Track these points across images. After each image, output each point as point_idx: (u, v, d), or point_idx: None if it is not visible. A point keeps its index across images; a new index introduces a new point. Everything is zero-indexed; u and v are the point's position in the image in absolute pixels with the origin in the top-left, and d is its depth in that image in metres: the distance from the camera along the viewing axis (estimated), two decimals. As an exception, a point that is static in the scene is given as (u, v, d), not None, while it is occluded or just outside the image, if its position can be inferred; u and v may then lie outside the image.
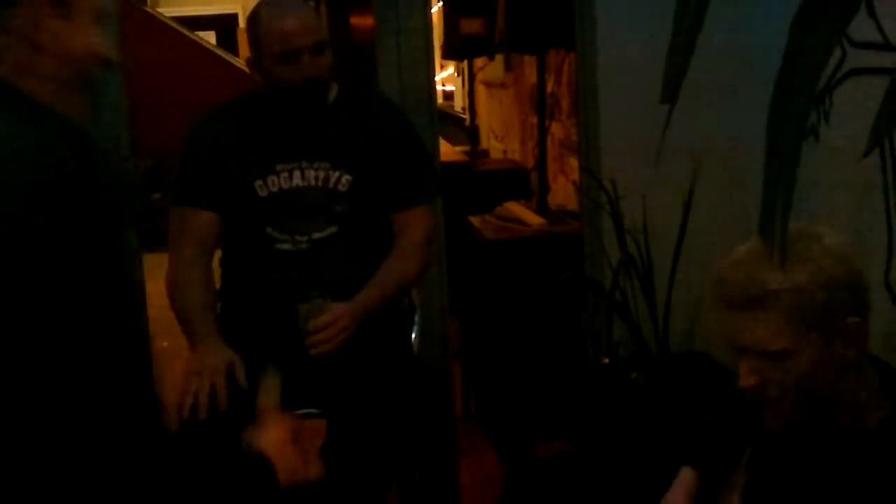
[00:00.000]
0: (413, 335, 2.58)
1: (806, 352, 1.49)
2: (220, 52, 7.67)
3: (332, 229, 2.40)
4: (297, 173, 2.39)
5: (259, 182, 2.39)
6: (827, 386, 1.52)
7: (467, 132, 5.90)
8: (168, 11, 8.33)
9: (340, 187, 2.40)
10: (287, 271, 2.39)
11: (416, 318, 2.60)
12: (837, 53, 1.78)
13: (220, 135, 2.45)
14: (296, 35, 2.30)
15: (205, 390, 2.21)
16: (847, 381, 1.53)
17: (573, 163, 3.95)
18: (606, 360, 2.95)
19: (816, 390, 1.52)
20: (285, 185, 2.39)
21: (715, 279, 1.56)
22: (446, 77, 7.16)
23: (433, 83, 3.23)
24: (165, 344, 2.62)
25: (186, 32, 7.47)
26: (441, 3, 4.49)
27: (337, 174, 2.40)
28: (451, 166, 4.41)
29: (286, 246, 2.40)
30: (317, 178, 2.40)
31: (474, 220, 4.03)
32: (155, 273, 2.59)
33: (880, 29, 1.90)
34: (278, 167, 2.39)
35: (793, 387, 1.51)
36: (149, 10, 8.05)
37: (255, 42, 2.37)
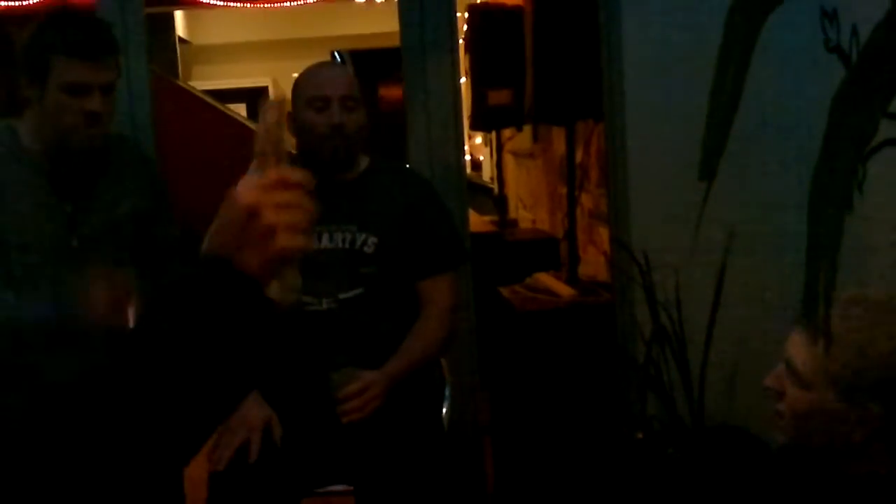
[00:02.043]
0: (444, 409, 2.56)
1: (819, 397, 1.51)
2: (250, 123, 7.75)
3: (359, 290, 2.43)
4: (325, 236, 2.44)
5: None
6: (819, 439, 1.54)
7: (495, 202, 5.91)
8: (200, 85, 8.44)
9: (367, 249, 2.44)
10: (314, 331, 2.40)
11: (447, 393, 2.58)
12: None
13: None
14: (327, 83, 2.45)
15: (234, 445, 2.23)
16: (848, 454, 1.52)
17: (603, 233, 3.94)
18: (641, 435, 2.90)
19: (807, 433, 1.55)
20: (313, 246, 2.40)
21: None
22: (474, 146, 7.20)
23: (462, 155, 3.25)
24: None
25: (217, 105, 7.57)
26: (469, 75, 4.54)
27: (363, 236, 2.44)
28: (480, 236, 4.41)
29: (313, 307, 2.41)
30: (343, 240, 2.44)
31: (504, 292, 4.01)
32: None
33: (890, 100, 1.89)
34: None
35: (790, 414, 1.56)
36: (181, 83, 8.17)
37: (293, 96, 2.48)
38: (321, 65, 2.55)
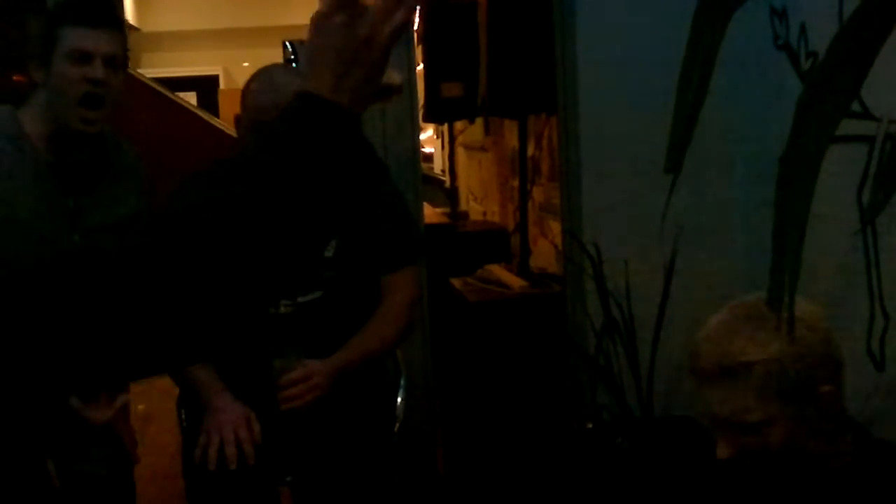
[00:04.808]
0: (399, 399, 2.56)
1: (781, 421, 1.50)
2: (201, 112, 7.69)
3: (317, 294, 2.40)
4: None
5: None
6: (802, 451, 1.53)
7: (447, 194, 5.93)
8: (148, 72, 8.35)
9: (327, 252, 2.40)
10: (270, 334, 2.38)
11: (402, 382, 2.59)
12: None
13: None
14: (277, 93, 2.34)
15: (232, 442, 2.21)
16: (820, 445, 1.54)
17: (554, 226, 3.98)
18: (590, 425, 2.94)
19: (793, 456, 1.53)
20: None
21: (690, 352, 1.57)
22: (426, 139, 7.21)
23: (418, 147, 3.26)
24: (142, 407, 2.59)
25: (168, 93, 7.49)
26: (422, 66, 4.54)
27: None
28: (432, 228, 4.42)
29: (271, 310, 2.38)
30: None
31: (456, 283, 4.03)
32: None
33: (859, 98, 1.94)
34: None
35: (769, 455, 1.52)
36: (130, 71, 8.09)
37: (243, 98, 2.41)
38: (274, 70, 2.45)
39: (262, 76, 2.38)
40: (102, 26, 2.21)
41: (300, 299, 2.38)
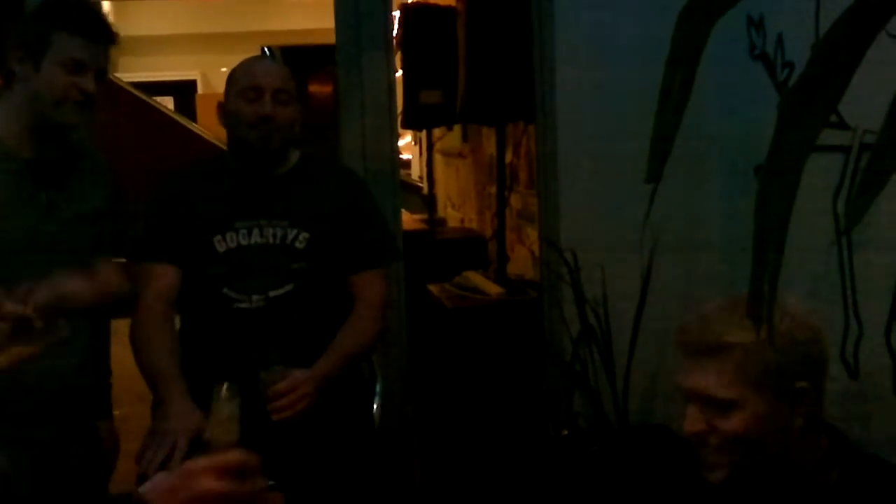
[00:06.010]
0: (375, 405, 2.57)
1: (752, 407, 1.52)
2: (177, 117, 7.67)
3: (289, 287, 2.42)
4: (255, 231, 2.43)
5: (218, 237, 2.43)
6: (769, 445, 1.54)
7: (425, 200, 5.93)
8: (126, 76, 8.32)
9: (298, 244, 2.43)
10: (244, 330, 2.39)
11: (378, 389, 2.59)
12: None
13: (184, 192, 2.51)
14: (261, 74, 2.45)
15: (164, 451, 2.18)
16: (792, 444, 1.55)
17: (531, 233, 3.98)
18: (566, 432, 2.95)
19: (757, 447, 1.54)
20: (244, 242, 2.44)
21: (678, 327, 1.61)
22: (403, 146, 7.22)
23: (396, 153, 3.27)
24: (118, 413, 2.58)
25: (144, 97, 7.47)
26: (400, 73, 4.55)
27: (295, 231, 2.44)
28: (410, 234, 4.42)
29: (243, 305, 2.41)
30: (275, 236, 2.44)
31: (433, 289, 4.03)
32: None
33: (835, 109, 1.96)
34: (237, 224, 2.44)
35: (733, 438, 1.53)
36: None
37: (226, 87, 2.49)
38: (257, 58, 2.56)
39: (244, 62, 2.50)
40: (103, 42, 2.24)
41: (272, 293, 2.41)
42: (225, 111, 2.48)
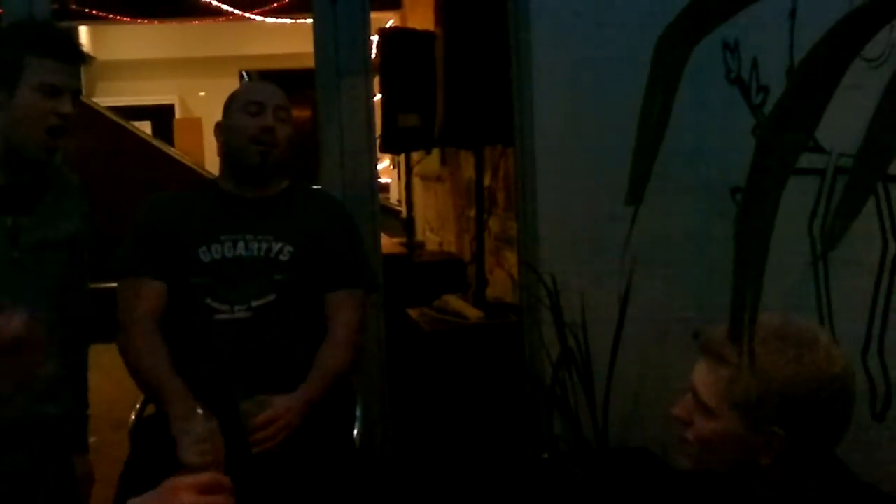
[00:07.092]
0: (355, 430, 2.56)
1: (726, 423, 1.53)
2: (155, 141, 7.66)
3: (271, 297, 2.44)
4: (241, 243, 2.48)
5: (203, 248, 2.47)
6: (729, 462, 1.55)
7: (403, 224, 5.94)
8: (104, 101, 8.30)
9: (282, 257, 2.48)
10: (226, 340, 2.40)
11: (358, 413, 2.58)
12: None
13: (172, 210, 2.56)
14: (263, 91, 2.58)
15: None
16: (755, 475, 1.53)
17: (510, 256, 3.99)
18: (546, 455, 2.95)
19: (719, 459, 1.55)
20: (228, 254, 2.48)
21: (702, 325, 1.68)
22: (382, 169, 7.23)
23: (375, 177, 3.27)
24: (93, 439, 2.56)
25: (122, 122, 7.46)
26: (379, 97, 4.56)
27: (279, 245, 2.48)
28: (389, 258, 4.42)
29: (225, 315, 2.42)
30: (259, 249, 2.48)
31: (412, 313, 4.03)
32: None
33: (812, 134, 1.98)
34: (223, 237, 2.49)
35: (697, 441, 1.57)
36: (84, 99, 8.04)
37: (226, 106, 2.58)
38: (259, 80, 2.60)
39: (245, 84, 2.54)
40: (74, 63, 2.24)
41: (254, 303, 2.43)
42: (224, 127, 2.56)
